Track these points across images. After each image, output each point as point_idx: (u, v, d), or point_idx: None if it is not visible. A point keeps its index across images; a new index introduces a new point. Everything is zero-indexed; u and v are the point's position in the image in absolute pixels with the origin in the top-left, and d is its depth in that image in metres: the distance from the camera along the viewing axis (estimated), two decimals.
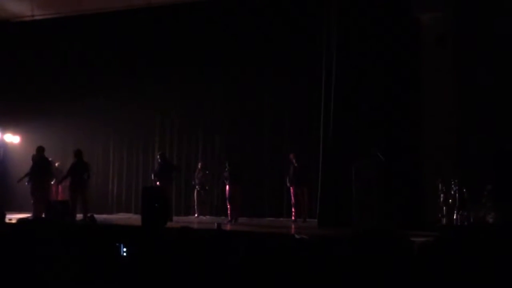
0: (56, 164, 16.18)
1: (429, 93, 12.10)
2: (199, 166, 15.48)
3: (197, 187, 15.25)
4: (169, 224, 11.81)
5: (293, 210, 13.84)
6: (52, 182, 15.18)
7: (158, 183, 14.11)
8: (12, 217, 12.02)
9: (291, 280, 2.34)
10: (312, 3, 13.94)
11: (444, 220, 11.15)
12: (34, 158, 14.57)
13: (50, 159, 15.35)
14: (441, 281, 1.94)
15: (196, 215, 15.26)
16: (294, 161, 13.74)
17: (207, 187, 15.29)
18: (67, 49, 16.77)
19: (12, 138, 17.32)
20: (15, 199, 15.95)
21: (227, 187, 14.06)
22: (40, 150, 14.41)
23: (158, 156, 14.86)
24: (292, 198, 13.83)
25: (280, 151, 15.09)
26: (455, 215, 10.97)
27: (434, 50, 12.10)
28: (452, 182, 11.12)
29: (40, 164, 14.27)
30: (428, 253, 2.05)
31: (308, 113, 14.32)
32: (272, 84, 15.19)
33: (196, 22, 15.61)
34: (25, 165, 14.75)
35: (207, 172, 15.47)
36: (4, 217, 11.52)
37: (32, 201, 14.21)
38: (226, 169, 14.13)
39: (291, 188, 13.81)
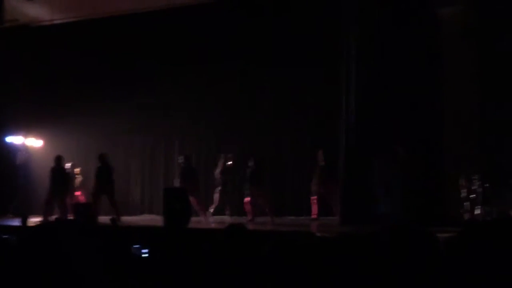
0: (77, 170, 16.26)
1: (450, 88, 12.00)
2: (222, 159, 15.06)
3: (218, 187, 14.87)
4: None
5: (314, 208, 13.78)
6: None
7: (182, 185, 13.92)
8: (35, 220, 12.14)
9: (314, 279, 2.32)
10: None
11: (467, 216, 11.06)
12: (52, 170, 14.59)
13: (69, 164, 15.50)
14: (467, 277, 1.92)
15: (212, 211, 14.92)
16: (321, 158, 13.61)
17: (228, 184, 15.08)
18: (87, 53, 16.83)
19: (35, 142, 17.44)
20: (37, 202, 16.07)
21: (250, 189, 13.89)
22: (57, 160, 14.53)
23: (182, 158, 14.76)
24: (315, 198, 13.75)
25: (300, 148, 15.07)
26: (478, 210, 10.89)
27: (456, 43, 11.99)
28: (475, 177, 11.03)
29: (57, 176, 14.40)
30: (453, 249, 2.02)
31: (329, 109, 14.19)
32: (291, 82, 15.13)
33: (216, 23, 15.58)
34: (48, 169, 14.82)
35: (230, 163, 15.09)
36: (27, 220, 11.66)
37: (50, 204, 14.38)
38: (249, 169, 13.95)
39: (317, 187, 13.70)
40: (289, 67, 14.96)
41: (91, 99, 16.92)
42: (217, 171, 14.93)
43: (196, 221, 13.15)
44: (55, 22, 16.83)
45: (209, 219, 14.10)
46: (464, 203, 11.09)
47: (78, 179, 16.27)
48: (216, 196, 14.80)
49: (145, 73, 16.59)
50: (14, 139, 17.03)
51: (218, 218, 14.47)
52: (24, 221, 11.59)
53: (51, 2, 15.69)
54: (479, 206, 10.82)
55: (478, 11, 11.98)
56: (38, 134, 17.41)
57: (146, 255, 5.31)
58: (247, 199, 13.85)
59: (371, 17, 12.64)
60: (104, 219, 13.15)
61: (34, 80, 17.53)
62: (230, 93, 15.94)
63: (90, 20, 16.59)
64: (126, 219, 14.24)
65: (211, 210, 14.63)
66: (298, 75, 14.94)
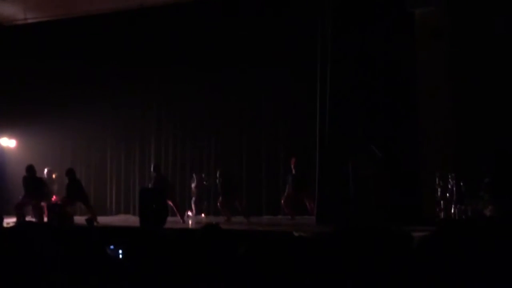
0: (54, 176, 16.05)
1: (424, 87, 12.08)
2: (195, 178, 15.36)
3: (193, 198, 15.12)
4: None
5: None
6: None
7: None
8: (10, 221, 12.02)
9: (290, 278, 2.33)
10: None
11: (442, 215, 11.15)
12: (25, 179, 14.24)
13: (46, 169, 15.32)
14: (441, 275, 1.93)
15: (191, 213, 15.14)
16: (292, 166, 13.65)
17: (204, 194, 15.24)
18: (61, 53, 16.65)
19: (8, 142, 17.25)
20: (12, 203, 15.92)
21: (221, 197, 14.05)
22: (29, 169, 14.24)
23: (152, 169, 14.74)
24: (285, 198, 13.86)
25: (276, 148, 15.11)
26: (453, 209, 10.97)
27: (429, 44, 12.07)
28: (449, 176, 11.12)
29: (32, 186, 14.15)
30: (427, 248, 2.04)
31: (304, 110, 14.22)
32: (266, 83, 15.01)
33: (189, 22, 15.50)
34: (21, 169, 14.65)
35: (205, 182, 15.37)
36: (2, 221, 11.53)
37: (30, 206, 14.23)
38: (218, 180, 14.13)
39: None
40: (264, 74, 14.87)
41: (65, 99, 16.75)
42: (193, 185, 15.24)
43: (172, 221, 13.11)
44: (29, 21, 16.67)
45: (185, 219, 14.09)
46: (439, 202, 11.18)
47: (55, 185, 16.05)
48: (192, 206, 15.13)
49: (119, 74, 16.42)
50: None
51: (194, 218, 14.48)
52: None
53: (25, 1, 15.53)
54: (454, 205, 10.91)
55: (449, 12, 12.08)
56: (11, 134, 17.23)
57: (122, 255, 5.28)
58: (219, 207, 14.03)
59: (345, 19, 12.67)
60: (80, 219, 13.09)
61: (7, 80, 17.31)
62: (207, 96, 15.86)
63: (64, 19, 16.45)
64: (102, 219, 14.15)
65: (187, 214, 14.74)
66: (273, 81, 14.87)
